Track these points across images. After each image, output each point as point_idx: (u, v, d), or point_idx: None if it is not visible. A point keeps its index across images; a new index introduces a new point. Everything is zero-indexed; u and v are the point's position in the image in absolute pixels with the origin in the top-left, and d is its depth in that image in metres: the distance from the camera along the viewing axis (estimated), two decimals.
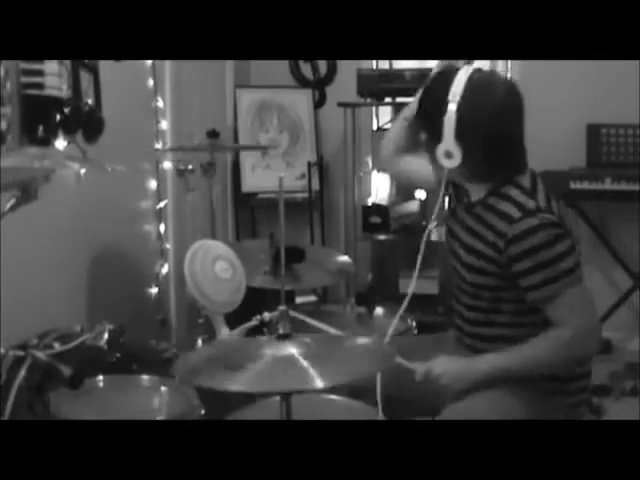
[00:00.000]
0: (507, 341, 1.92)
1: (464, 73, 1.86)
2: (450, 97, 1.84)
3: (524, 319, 1.93)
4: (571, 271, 1.84)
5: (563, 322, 1.85)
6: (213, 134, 2.66)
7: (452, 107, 1.83)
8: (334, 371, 1.54)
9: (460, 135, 1.84)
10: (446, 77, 1.88)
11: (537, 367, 1.90)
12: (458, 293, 2.06)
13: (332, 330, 2.11)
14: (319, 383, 1.47)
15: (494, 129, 1.86)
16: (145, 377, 2.03)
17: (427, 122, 1.94)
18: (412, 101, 2.14)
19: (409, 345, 2.17)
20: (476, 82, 1.85)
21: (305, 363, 1.53)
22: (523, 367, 1.89)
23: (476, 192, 1.97)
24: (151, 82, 3.09)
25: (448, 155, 1.86)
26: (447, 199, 2.14)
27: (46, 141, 2.15)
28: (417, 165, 2.14)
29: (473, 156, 1.86)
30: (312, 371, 1.50)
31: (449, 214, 2.13)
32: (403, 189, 4.29)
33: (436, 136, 1.87)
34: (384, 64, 4.20)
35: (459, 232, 2.02)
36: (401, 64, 4.09)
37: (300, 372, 1.50)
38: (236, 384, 1.48)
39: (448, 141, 1.85)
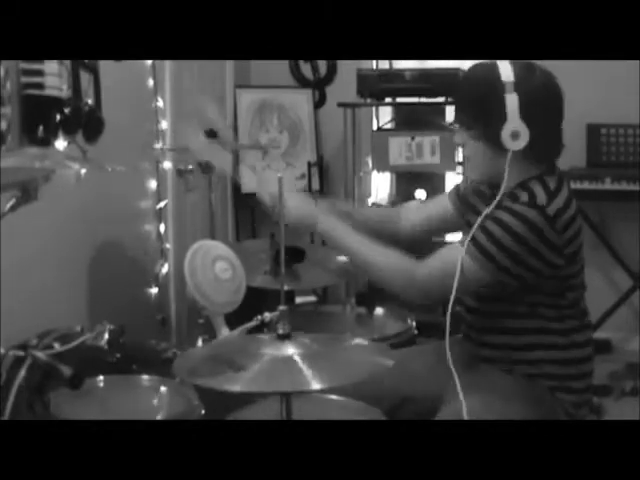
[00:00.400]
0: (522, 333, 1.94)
1: (503, 61, 1.89)
2: (504, 78, 1.85)
3: (541, 309, 1.94)
4: (499, 268, 1.84)
5: (426, 261, 1.93)
6: (211, 134, 2.65)
7: (509, 87, 1.85)
8: (333, 372, 1.54)
9: (525, 113, 1.85)
10: (491, 67, 1.89)
11: (362, 263, 2.01)
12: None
13: None
14: (317, 385, 1.48)
15: (550, 103, 1.91)
16: (145, 377, 2.03)
17: (480, 112, 1.92)
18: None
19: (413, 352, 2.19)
20: (521, 64, 1.89)
21: (304, 365, 1.53)
22: (353, 253, 2.03)
23: (509, 181, 1.93)
24: (151, 82, 3.09)
25: (515, 135, 1.86)
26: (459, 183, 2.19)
27: (46, 141, 2.15)
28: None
29: (538, 132, 1.86)
30: (311, 372, 1.50)
31: (465, 203, 2.15)
32: (403, 189, 4.30)
33: (497, 120, 1.86)
34: (384, 64, 4.20)
35: (484, 221, 1.93)
36: (401, 64, 4.10)
37: (299, 373, 1.50)
38: (236, 385, 1.48)
39: (513, 121, 1.85)
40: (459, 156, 3.69)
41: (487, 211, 1.89)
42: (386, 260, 1.98)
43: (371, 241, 2.01)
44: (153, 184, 3.14)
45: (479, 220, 1.88)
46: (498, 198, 1.89)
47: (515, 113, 1.85)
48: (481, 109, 1.92)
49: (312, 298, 3.32)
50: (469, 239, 1.87)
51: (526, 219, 1.83)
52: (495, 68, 1.88)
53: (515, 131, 1.86)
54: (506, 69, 1.87)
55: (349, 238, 2.04)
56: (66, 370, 1.50)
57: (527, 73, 1.89)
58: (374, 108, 4.18)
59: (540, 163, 1.94)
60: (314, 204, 2.14)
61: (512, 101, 1.85)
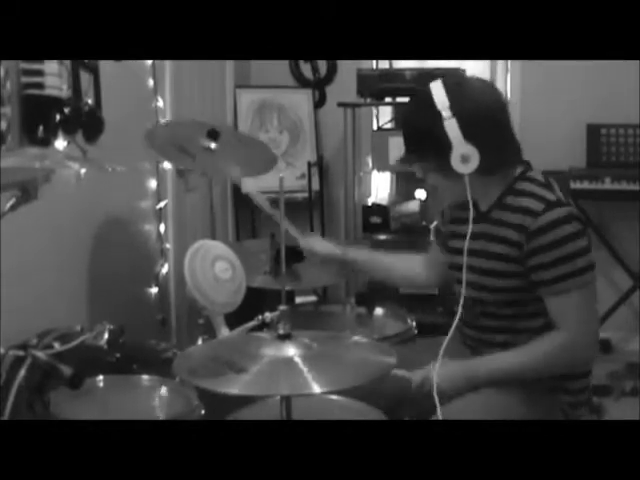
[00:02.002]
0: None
1: (435, 85, 1.87)
2: (439, 106, 1.84)
3: (541, 329, 1.92)
4: (585, 270, 1.84)
5: (563, 323, 1.85)
6: (213, 134, 2.65)
7: (446, 113, 1.83)
8: (334, 375, 1.54)
9: (466, 134, 1.83)
10: (422, 96, 1.89)
11: (532, 370, 1.90)
12: (472, 304, 2.00)
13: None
14: (317, 388, 1.47)
15: (494, 115, 1.88)
16: (145, 377, 2.03)
17: (425, 145, 1.91)
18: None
19: (410, 351, 2.18)
20: (452, 84, 1.87)
21: (304, 366, 1.53)
22: (519, 370, 1.90)
23: (486, 199, 1.96)
24: (151, 82, 3.09)
25: (465, 159, 1.83)
26: (435, 223, 2.17)
27: (46, 141, 2.15)
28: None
29: (486, 149, 1.84)
30: (311, 375, 1.50)
31: (447, 235, 2.12)
32: (403, 189, 4.30)
33: (444, 149, 1.84)
34: (384, 64, 4.21)
35: (471, 244, 1.92)
36: (401, 64, 4.10)
37: (299, 375, 1.50)
38: (235, 387, 1.48)
39: (459, 145, 1.83)
40: None
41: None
42: (536, 355, 1.89)
43: (508, 352, 1.93)
44: (153, 184, 3.14)
45: (538, 261, 1.84)
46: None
47: (459, 137, 1.82)
48: (425, 141, 1.90)
49: (312, 298, 3.32)
50: (550, 284, 1.84)
51: (560, 220, 1.82)
52: (428, 97, 1.86)
53: (464, 155, 1.83)
54: (439, 94, 1.84)
55: (496, 368, 1.93)
56: (66, 370, 1.50)
57: (461, 92, 1.86)
58: (374, 108, 4.18)
59: (503, 174, 1.93)
60: (449, 365, 1.97)
61: (452, 126, 1.82)
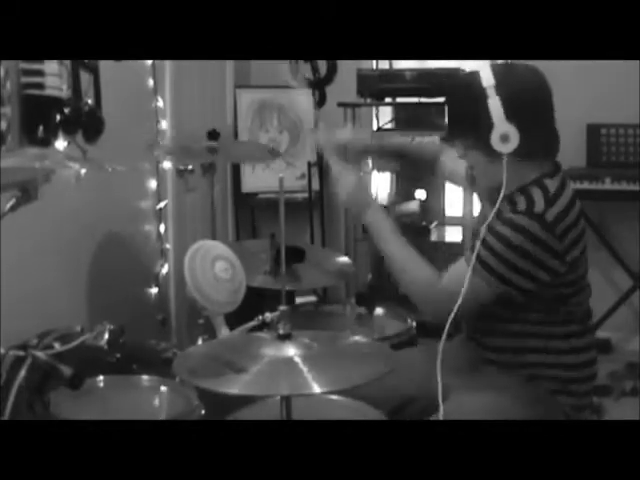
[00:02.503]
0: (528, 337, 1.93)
1: (483, 65, 1.88)
2: (485, 84, 1.84)
3: (530, 316, 1.93)
4: (505, 282, 1.84)
5: (447, 275, 1.92)
6: (213, 135, 2.65)
7: (491, 91, 1.84)
8: (334, 375, 1.54)
9: (510, 114, 1.83)
10: (471, 74, 1.89)
11: (398, 269, 1.98)
12: None
13: None
14: (317, 388, 1.47)
15: (535, 101, 1.89)
16: (145, 377, 2.03)
17: (468, 121, 1.92)
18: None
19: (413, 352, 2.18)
20: (501, 66, 1.89)
21: (304, 366, 1.53)
22: (390, 257, 1.99)
23: (509, 186, 1.92)
24: (151, 82, 3.09)
25: (504, 138, 1.84)
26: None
27: (46, 141, 2.15)
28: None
29: (526, 132, 1.84)
30: (311, 375, 1.50)
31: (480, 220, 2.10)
32: (403, 189, 4.30)
33: (485, 127, 1.85)
34: (384, 64, 4.20)
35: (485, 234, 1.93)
36: (401, 64, 4.10)
37: (299, 375, 1.50)
38: (235, 387, 1.48)
39: (500, 124, 1.84)
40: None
41: (487, 222, 1.88)
42: (414, 268, 1.96)
43: (411, 249, 1.99)
44: (153, 184, 3.14)
45: (482, 234, 1.87)
46: (497, 206, 1.87)
47: (501, 116, 1.83)
48: (467, 118, 1.92)
49: (312, 298, 3.32)
50: (475, 255, 1.86)
51: (523, 229, 1.82)
52: (474, 74, 1.87)
53: (504, 134, 1.84)
54: (486, 73, 1.85)
55: (391, 238, 2.01)
56: (66, 370, 1.50)
57: (507, 74, 1.88)
58: (374, 108, 4.18)
59: (538, 163, 1.92)
60: (369, 189, 2.10)
61: (495, 105, 1.83)
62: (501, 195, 1.87)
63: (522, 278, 1.84)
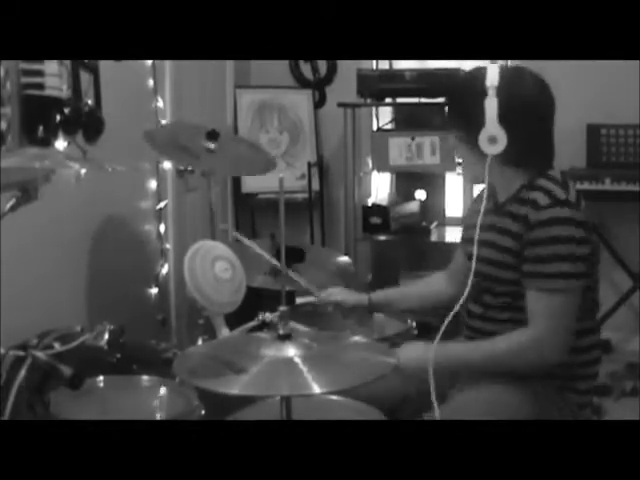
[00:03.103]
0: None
1: (493, 65, 1.89)
2: (488, 83, 1.86)
3: None
4: (572, 277, 1.83)
5: (533, 322, 1.85)
6: (213, 135, 2.65)
7: (492, 92, 1.85)
8: (334, 375, 1.54)
9: (503, 117, 1.84)
10: (479, 71, 1.91)
11: (493, 363, 1.89)
12: (477, 294, 2.01)
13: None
14: (317, 388, 1.47)
15: (532, 108, 1.90)
16: (145, 377, 2.03)
17: (463, 115, 1.95)
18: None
19: None
20: (508, 69, 1.91)
21: (304, 366, 1.53)
22: (480, 361, 1.91)
23: (505, 189, 1.96)
24: (151, 82, 3.09)
25: (492, 140, 1.86)
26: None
27: (46, 141, 2.15)
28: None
29: (516, 138, 1.86)
30: (311, 375, 1.50)
31: (469, 218, 2.11)
32: (403, 189, 4.30)
33: (476, 124, 1.86)
34: (384, 64, 4.20)
35: (482, 235, 1.93)
36: (401, 64, 4.10)
37: (299, 375, 1.50)
38: (235, 387, 1.48)
39: (491, 125, 1.85)
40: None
41: (483, 216, 1.89)
42: (496, 349, 1.89)
43: (472, 343, 1.97)
44: (153, 184, 3.14)
45: (526, 252, 1.85)
46: (482, 208, 1.88)
47: (493, 118, 1.85)
48: (462, 112, 1.95)
49: (312, 298, 3.31)
50: (534, 278, 1.84)
51: (560, 219, 1.83)
52: (482, 72, 1.89)
53: (492, 136, 1.85)
54: (493, 73, 1.87)
55: (454, 354, 1.95)
56: (66, 370, 1.50)
57: (514, 78, 1.89)
58: (374, 108, 4.18)
59: (525, 171, 1.93)
60: (416, 346, 2.02)
61: (491, 105, 1.85)
62: (484, 196, 1.89)
63: (579, 263, 1.83)
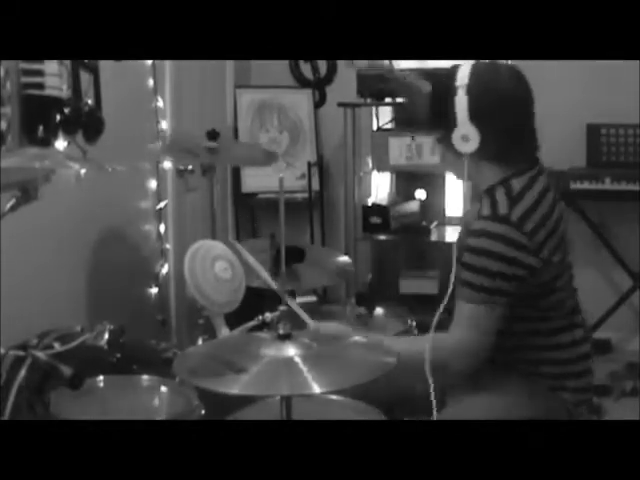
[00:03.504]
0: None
1: (468, 63, 1.90)
2: (458, 82, 1.86)
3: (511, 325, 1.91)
4: (491, 292, 1.83)
5: (452, 327, 1.87)
6: (213, 135, 2.65)
7: (461, 91, 1.85)
8: (334, 375, 1.54)
9: (473, 115, 1.85)
10: (450, 71, 1.91)
11: (411, 360, 1.83)
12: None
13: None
14: (317, 388, 1.47)
15: (504, 104, 1.88)
16: (145, 377, 2.03)
17: (437, 115, 1.95)
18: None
19: None
20: (481, 66, 1.90)
21: (304, 366, 1.53)
22: (405, 355, 1.81)
23: (482, 186, 1.95)
24: (151, 82, 3.09)
25: (465, 139, 1.86)
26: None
27: (46, 141, 2.15)
28: None
29: (488, 134, 1.86)
30: (311, 375, 1.50)
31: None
32: (403, 189, 4.30)
33: (449, 124, 1.87)
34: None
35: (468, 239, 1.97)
36: (401, 64, 4.10)
37: (299, 375, 1.50)
38: (235, 387, 1.48)
39: (463, 124, 1.86)
40: None
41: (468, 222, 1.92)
42: (417, 348, 1.87)
43: (400, 338, 2.00)
44: (153, 184, 3.14)
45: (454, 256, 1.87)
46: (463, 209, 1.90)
47: (464, 116, 1.85)
48: (437, 113, 1.95)
49: (312, 298, 3.32)
50: (462, 286, 1.86)
51: (491, 234, 1.83)
52: (453, 71, 1.89)
53: (464, 134, 1.86)
54: (463, 71, 1.87)
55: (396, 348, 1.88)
56: (66, 370, 1.50)
57: (483, 74, 1.88)
58: (374, 108, 4.18)
59: (506, 164, 1.92)
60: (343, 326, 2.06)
61: (461, 104, 1.85)
62: (463, 192, 1.91)
63: (508, 283, 1.83)
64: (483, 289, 1.83)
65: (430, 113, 1.99)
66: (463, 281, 1.85)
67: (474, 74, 1.86)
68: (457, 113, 1.85)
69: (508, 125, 1.89)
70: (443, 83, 1.90)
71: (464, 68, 1.88)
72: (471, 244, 1.85)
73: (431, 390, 1.76)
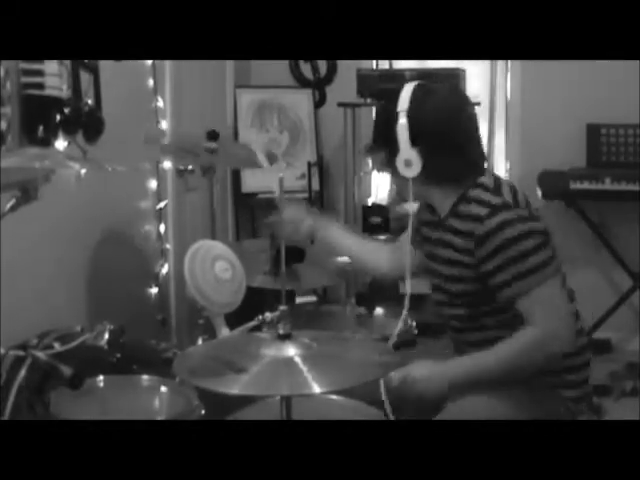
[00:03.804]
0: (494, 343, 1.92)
1: (409, 86, 1.92)
2: (399, 108, 1.88)
3: (510, 321, 1.92)
4: (542, 266, 1.85)
5: (533, 320, 1.86)
6: (213, 135, 2.65)
7: (402, 116, 1.87)
8: (334, 375, 1.54)
9: (414, 140, 1.87)
10: (391, 97, 1.93)
11: (509, 367, 1.89)
12: (440, 307, 2.06)
13: None
14: (317, 388, 1.47)
15: (443, 126, 1.90)
16: (145, 377, 2.03)
17: (380, 141, 1.98)
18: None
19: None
20: (420, 89, 1.91)
21: (304, 366, 1.53)
22: (496, 367, 1.89)
23: (443, 205, 1.99)
24: (151, 82, 3.09)
25: (408, 164, 1.89)
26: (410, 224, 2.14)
27: (46, 141, 2.15)
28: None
29: (431, 158, 1.88)
30: (311, 375, 1.50)
31: (416, 237, 2.13)
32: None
33: (393, 149, 1.90)
34: (384, 64, 4.20)
35: (434, 250, 2.02)
36: (401, 64, 4.10)
37: (299, 375, 1.50)
38: (235, 387, 1.48)
39: (405, 150, 1.88)
40: None
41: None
42: (508, 353, 1.89)
43: (482, 353, 1.92)
44: (153, 184, 3.14)
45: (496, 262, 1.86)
46: (410, 227, 1.96)
47: (406, 141, 1.87)
48: (381, 137, 1.97)
49: (312, 298, 3.32)
50: (508, 286, 1.86)
51: (507, 222, 1.84)
52: (396, 96, 1.91)
53: (407, 159, 1.88)
54: (404, 96, 1.89)
55: (470, 368, 1.94)
56: (66, 370, 1.50)
57: (421, 98, 1.89)
58: (374, 108, 4.17)
59: (458, 184, 1.94)
60: (429, 364, 2.00)
61: (402, 129, 1.87)
62: (411, 218, 1.96)
63: (543, 252, 1.86)
64: (534, 269, 1.84)
65: (378, 136, 2.00)
66: (515, 275, 1.84)
67: (414, 98, 1.88)
68: (399, 138, 1.87)
69: (451, 146, 1.91)
70: (385, 108, 1.93)
71: (404, 92, 1.90)
72: (493, 245, 1.84)
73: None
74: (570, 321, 1.91)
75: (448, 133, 1.90)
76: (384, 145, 1.95)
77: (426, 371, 1.93)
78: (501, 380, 1.90)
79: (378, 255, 2.36)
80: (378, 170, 2.05)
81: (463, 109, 1.96)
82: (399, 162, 1.89)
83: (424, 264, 2.11)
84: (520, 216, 1.86)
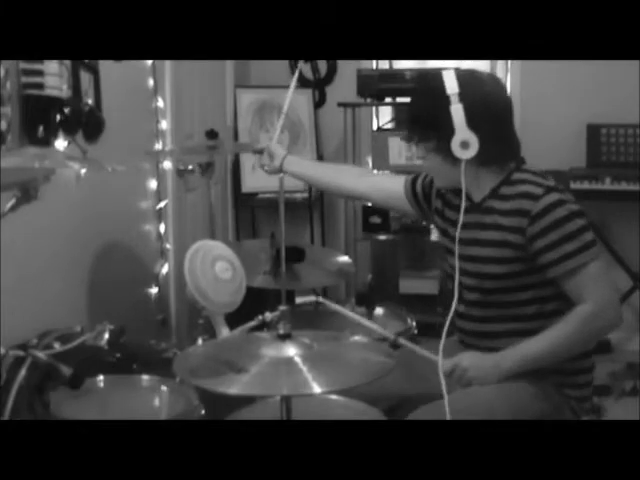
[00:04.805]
0: (526, 335, 1.92)
1: (448, 71, 1.93)
2: (449, 91, 1.89)
3: (546, 307, 1.95)
4: (591, 244, 1.89)
5: (585, 296, 1.90)
6: (212, 134, 2.65)
7: (455, 98, 1.88)
8: (334, 375, 1.54)
9: (471, 121, 1.88)
10: (433, 83, 1.93)
11: (567, 348, 1.92)
12: (466, 293, 2.02)
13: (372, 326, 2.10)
14: (317, 388, 1.47)
15: (496, 109, 1.94)
16: (145, 377, 2.03)
17: (430, 126, 1.96)
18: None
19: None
20: (464, 73, 1.94)
21: (304, 366, 1.53)
22: (551, 350, 1.91)
23: (479, 191, 1.99)
24: (151, 82, 3.09)
25: (464, 145, 1.89)
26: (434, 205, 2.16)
27: (46, 141, 2.15)
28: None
29: (487, 140, 1.89)
30: (311, 375, 1.50)
31: (439, 219, 2.14)
32: None
33: (446, 132, 1.89)
34: (384, 64, 4.21)
35: (469, 234, 1.98)
36: (401, 64, 4.10)
37: (299, 375, 1.50)
38: (235, 386, 1.48)
39: (461, 131, 1.88)
40: None
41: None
42: (567, 332, 1.91)
43: (537, 338, 1.92)
44: (153, 184, 3.14)
45: (545, 245, 1.88)
46: (462, 211, 1.92)
47: (462, 123, 1.88)
48: (430, 122, 1.97)
49: (312, 298, 3.32)
50: (561, 262, 1.88)
51: (556, 202, 1.88)
52: (440, 80, 1.91)
53: (464, 141, 1.89)
54: (451, 80, 1.90)
55: (530, 354, 1.93)
56: (66, 370, 1.50)
57: (471, 81, 1.93)
58: (374, 108, 4.18)
59: (496, 169, 1.98)
60: (479, 354, 2.00)
61: (458, 112, 1.88)
62: (463, 200, 1.93)
63: (589, 232, 1.91)
64: (583, 248, 1.88)
65: (424, 123, 1.99)
66: (566, 254, 1.87)
67: (462, 81, 1.90)
68: (454, 120, 1.88)
69: (502, 130, 1.96)
70: (434, 93, 1.92)
71: (449, 76, 1.91)
72: (547, 222, 1.88)
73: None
74: (617, 296, 2.01)
75: (499, 117, 1.95)
76: (433, 129, 1.95)
77: (477, 359, 1.95)
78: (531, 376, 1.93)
79: (351, 173, 2.46)
80: (420, 158, 2.02)
81: (506, 95, 2.02)
82: (454, 144, 1.89)
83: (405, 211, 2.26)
84: (569, 198, 1.93)
